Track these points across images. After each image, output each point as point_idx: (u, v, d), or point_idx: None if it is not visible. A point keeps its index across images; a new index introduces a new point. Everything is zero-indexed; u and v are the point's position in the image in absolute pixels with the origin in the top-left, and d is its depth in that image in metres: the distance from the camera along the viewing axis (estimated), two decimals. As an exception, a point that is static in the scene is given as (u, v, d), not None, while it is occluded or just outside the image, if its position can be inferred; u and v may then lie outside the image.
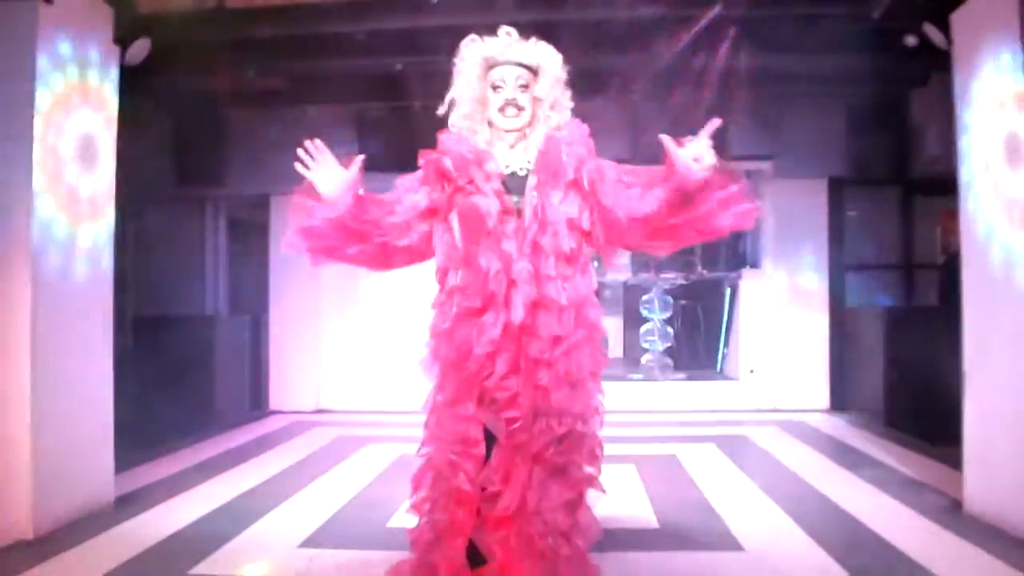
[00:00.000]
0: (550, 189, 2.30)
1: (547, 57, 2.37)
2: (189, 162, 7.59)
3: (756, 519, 4.06)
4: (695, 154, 2.17)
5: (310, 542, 3.76)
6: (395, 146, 7.12)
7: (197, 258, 8.23)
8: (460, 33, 5.95)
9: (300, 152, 2.26)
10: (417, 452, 2.47)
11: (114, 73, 4.40)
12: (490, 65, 2.35)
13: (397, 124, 7.20)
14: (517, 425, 2.19)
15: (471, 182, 2.31)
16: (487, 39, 2.38)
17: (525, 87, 2.32)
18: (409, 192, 2.43)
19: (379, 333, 7.87)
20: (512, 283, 2.24)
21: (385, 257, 2.46)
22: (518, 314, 2.22)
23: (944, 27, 4.44)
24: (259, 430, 6.91)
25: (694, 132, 2.18)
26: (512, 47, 2.35)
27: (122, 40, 4.50)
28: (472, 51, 2.36)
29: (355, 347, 7.92)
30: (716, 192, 2.24)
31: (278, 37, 5.80)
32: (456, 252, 2.30)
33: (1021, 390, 3.67)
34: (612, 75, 5.95)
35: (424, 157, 2.44)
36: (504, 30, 2.38)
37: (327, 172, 2.35)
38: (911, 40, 5.22)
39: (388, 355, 7.72)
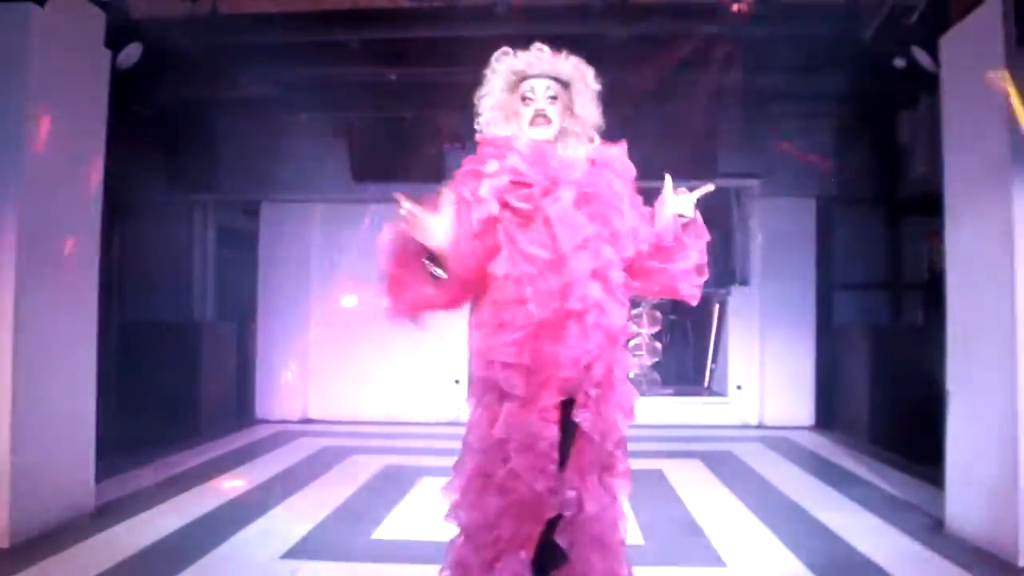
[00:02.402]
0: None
1: (579, 70, 2.37)
2: (179, 167, 7.55)
3: (739, 535, 4.06)
4: (679, 208, 2.31)
5: (293, 553, 3.73)
6: (385, 156, 7.14)
7: (185, 264, 8.19)
8: (452, 45, 5.99)
9: (403, 211, 2.06)
10: (458, 466, 2.29)
11: (105, 77, 4.39)
12: (521, 78, 2.33)
13: (388, 134, 7.20)
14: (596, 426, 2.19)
15: (555, 183, 2.22)
16: (520, 53, 2.37)
17: (554, 99, 2.32)
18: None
19: (368, 343, 7.83)
20: (610, 288, 2.20)
21: (464, 289, 2.30)
22: (617, 319, 2.21)
23: (933, 50, 4.50)
24: (244, 439, 6.85)
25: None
26: (543, 59, 2.35)
27: (113, 44, 4.49)
28: (504, 64, 2.35)
29: (343, 357, 7.87)
30: (685, 254, 2.34)
31: (270, 44, 5.81)
32: (542, 256, 2.15)
33: (1004, 410, 3.69)
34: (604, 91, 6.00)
35: (493, 153, 2.25)
36: (536, 45, 2.38)
37: (434, 222, 2.11)
38: (900, 62, 5.30)
39: (377, 366, 7.70)
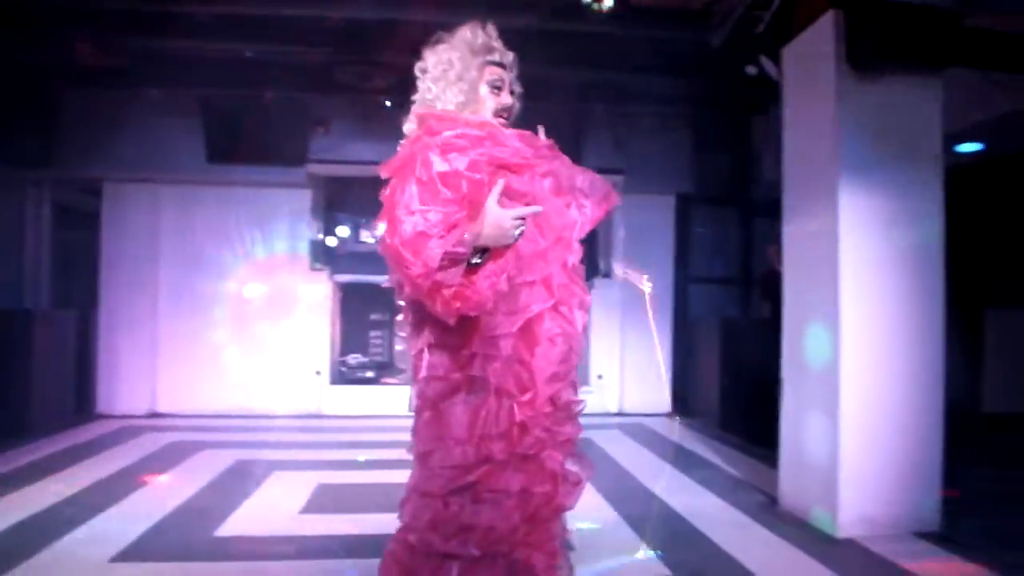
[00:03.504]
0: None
1: (515, 64, 2.31)
2: (11, 141, 6.90)
3: (588, 518, 4.17)
4: None
5: (124, 556, 3.51)
6: (244, 136, 6.84)
7: (15, 246, 7.49)
8: (312, 24, 5.78)
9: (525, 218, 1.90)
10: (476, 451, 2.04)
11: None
12: (486, 61, 2.22)
13: (247, 113, 6.88)
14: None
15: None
16: (485, 31, 2.25)
17: (512, 93, 2.27)
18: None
19: (221, 333, 7.50)
20: (577, 280, 2.16)
21: None
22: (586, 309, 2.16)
23: (778, 60, 4.77)
24: (83, 435, 6.38)
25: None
26: (506, 50, 2.26)
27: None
28: (479, 42, 2.22)
29: (195, 347, 7.49)
30: None
31: (118, 10, 5.42)
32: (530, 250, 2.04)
33: (828, 397, 3.99)
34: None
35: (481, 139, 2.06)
36: (492, 30, 2.27)
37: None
38: (751, 69, 5.58)
39: (231, 356, 7.39)
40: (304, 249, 7.80)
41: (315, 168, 7.61)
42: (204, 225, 7.55)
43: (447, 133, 2.01)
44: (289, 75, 6.60)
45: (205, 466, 5.34)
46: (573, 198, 2.21)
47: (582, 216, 2.23)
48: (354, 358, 8.44)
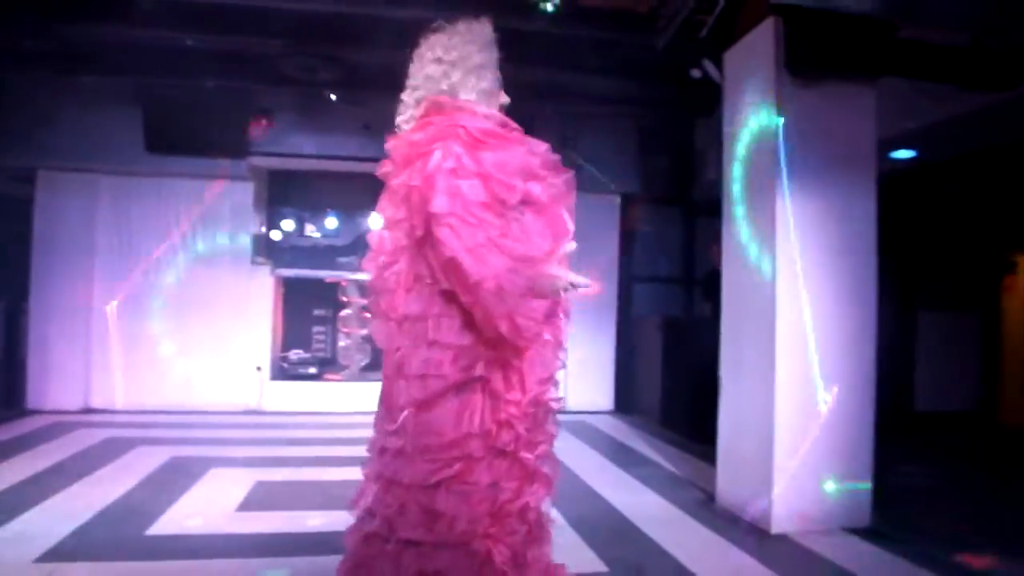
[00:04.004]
0: None
1: None
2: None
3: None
4: None
5: (51, 555, 3.39)
6: (184, 126, 6.67)
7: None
8: (258, 14, 5.66)
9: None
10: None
11: None
12: (497, 57, 2.22)
13: (188, 103, 6.71)
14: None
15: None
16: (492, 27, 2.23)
17: None
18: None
19: (158, 327, 7.32)
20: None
21: None
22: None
23: (720, 64, 4.85)
24: (11, 431, 6.15)
25: None
26: None
27: None
28: (493, 38, 2.20)
29: (131, 341, 7.29)
30: None
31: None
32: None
33: (765, 394, 4.09)
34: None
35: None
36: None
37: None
38: (696, 72, 5.66)
39: (168, 351, 7.23)
40: (246, 242, 7.66)
41: (258, 160, 7.48)
42: (142, 216, 7.35)
43: (474, 125, 2.02)
44: (233, 65, 6.45)
45: (139, 463, 5.20)
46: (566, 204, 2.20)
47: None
48: (296, 354, 8.31)
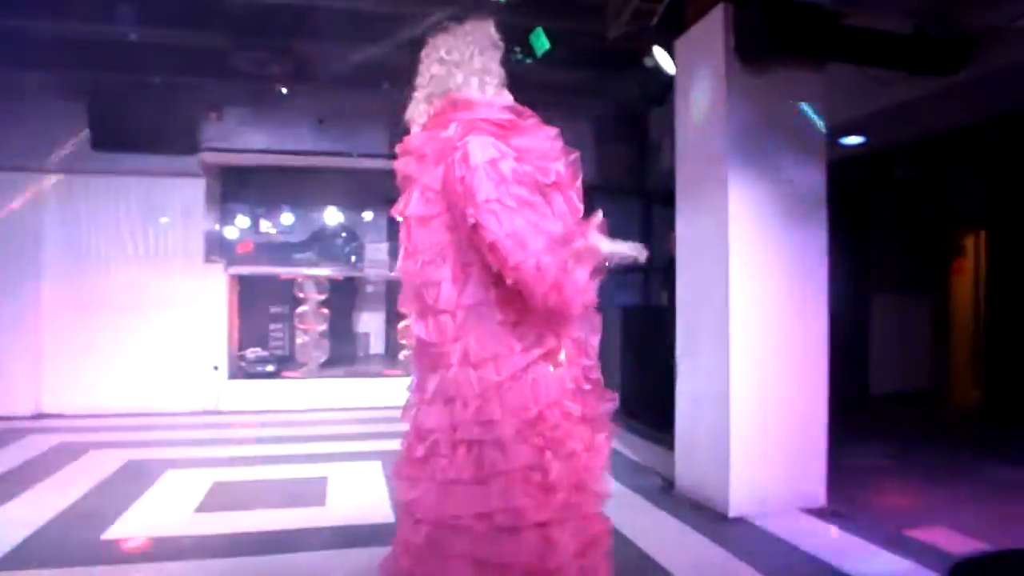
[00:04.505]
0: None
1: None
2: None
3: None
4: None
5: (5, 563, 3.32)
6: (132, 123, 6.51)
7: None
8: (207, 7, 5.53)
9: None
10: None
11: None
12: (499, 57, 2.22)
13: (135, 99, 6.54)
14: None
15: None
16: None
17: None
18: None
19: (111, 329, 7.16)
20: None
21: None
22: None
23: (672, 52, 4.89)
24: (-42, 439, 5.97)
25: None
26: None
27: None
28: (497, 38, 2.20)
29: (83, 344, 7.12)
30: None
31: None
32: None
33: (720, 380, 4.15)
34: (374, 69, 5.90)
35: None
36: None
37: None
38: (650, 62, 5.70)
39: (121, 353, 7.08)
40: (198, 240, 7.51)
41: (209, 156, 7.33)
42: (91, 216, 7.18)
43: (495, 116, 2.04)
44: (181, 60, 6.30)
45: (94, 467, 5.09)
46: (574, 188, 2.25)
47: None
48: (253, 352, 8.19)
